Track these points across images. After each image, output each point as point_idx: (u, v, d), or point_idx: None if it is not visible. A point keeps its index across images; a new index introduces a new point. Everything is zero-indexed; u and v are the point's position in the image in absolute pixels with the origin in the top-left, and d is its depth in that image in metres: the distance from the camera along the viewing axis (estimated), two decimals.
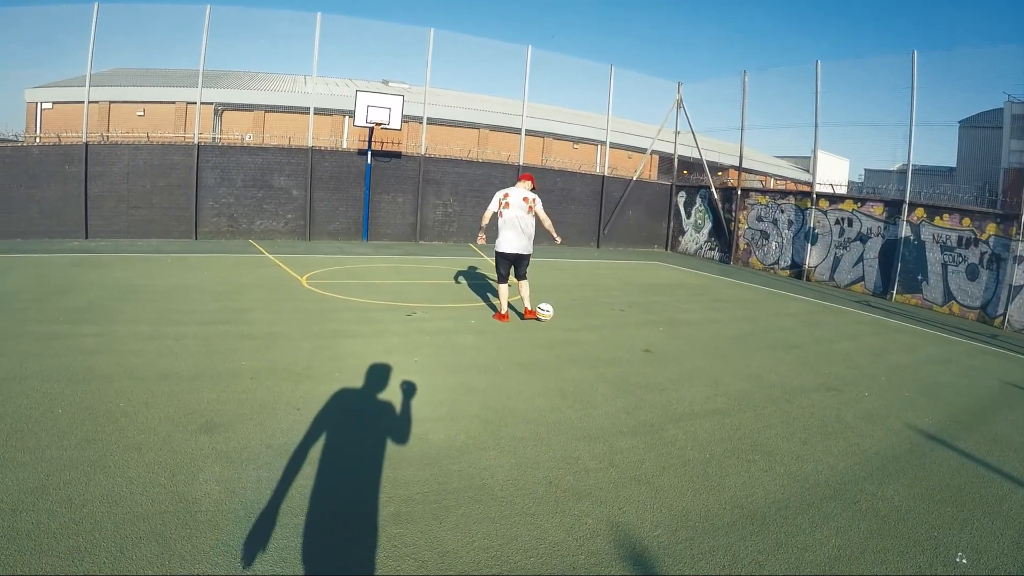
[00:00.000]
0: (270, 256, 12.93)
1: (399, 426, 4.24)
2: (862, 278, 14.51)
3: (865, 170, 32.68)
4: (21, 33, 15.73)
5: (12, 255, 11.70)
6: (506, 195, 7.59)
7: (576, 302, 9.56)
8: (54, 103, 21.03)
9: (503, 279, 7.77)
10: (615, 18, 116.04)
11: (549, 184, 19.11)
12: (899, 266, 13.61)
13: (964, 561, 3.13)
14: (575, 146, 28.92)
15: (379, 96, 16.09)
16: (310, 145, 16.31)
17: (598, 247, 19.99)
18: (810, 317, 10.11)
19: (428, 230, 17.81)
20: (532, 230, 7.66)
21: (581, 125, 27.52)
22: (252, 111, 25.40)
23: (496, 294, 8.60)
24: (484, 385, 5.21)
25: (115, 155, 14.68)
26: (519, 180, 7.89)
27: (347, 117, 22.06)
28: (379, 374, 5.37)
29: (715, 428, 4.67)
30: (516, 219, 7.50)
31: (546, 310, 7.82)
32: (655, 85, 21.73)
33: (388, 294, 9.10)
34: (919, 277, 13.28)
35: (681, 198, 20.63)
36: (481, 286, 10.45)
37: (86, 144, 14.38)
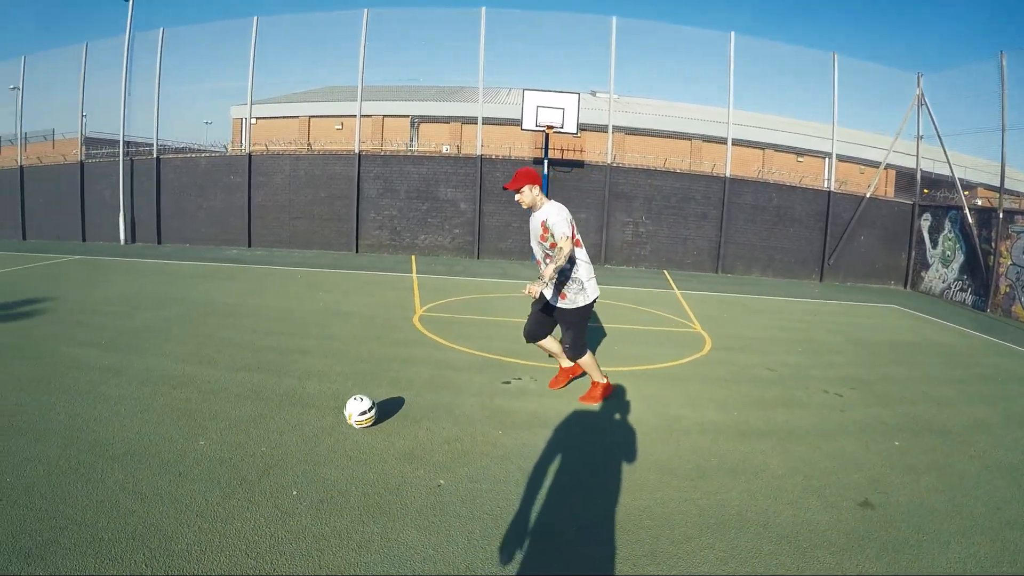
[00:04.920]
0: (414, 276, 11.80)
1: None
2: None
3: None
4: (226, 55, 16.81)
5: (153, 260, 12.00)
6: (571, 220, 4.85)
7: (773, 373, 6.62)
8: (257, 119, 22.78)
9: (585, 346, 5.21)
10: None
11: (763, 200, 15.79)
12: None
13: None
14: (799, 159, 24.99)
15: (550, 95, 14.30)
16: (479, 153, 15.07)
17: (820, 281, 15.99)
18: None
19: (615, 252, 15.58)
20: None
21: (805, 135, 23.61)
22: (448, 123, 25.45)
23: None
24: None
25: (277, 165, 14.83)
26: (534, 184, 4.89)
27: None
28: (343, 509, 3.32)
29: None
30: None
31: (362, 406, 4.30)
32: (887, 77, 17.11)
33: (509, 342, 7.03)
34: None
35: (925, 222, 15.84)
36: (645, 336, 7.95)
37: (249, 155, 14.68)
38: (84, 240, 15.80)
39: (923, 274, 15.95)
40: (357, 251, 15.09)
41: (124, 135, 15.07)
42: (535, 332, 5.14)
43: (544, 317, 5.07)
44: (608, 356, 6.72)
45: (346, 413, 4.28)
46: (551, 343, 5.25)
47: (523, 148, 17.60)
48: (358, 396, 4.35)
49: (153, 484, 3.37)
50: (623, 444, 4.39)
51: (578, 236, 4.82)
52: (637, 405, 5.23)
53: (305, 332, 7.09)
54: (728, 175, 15.72)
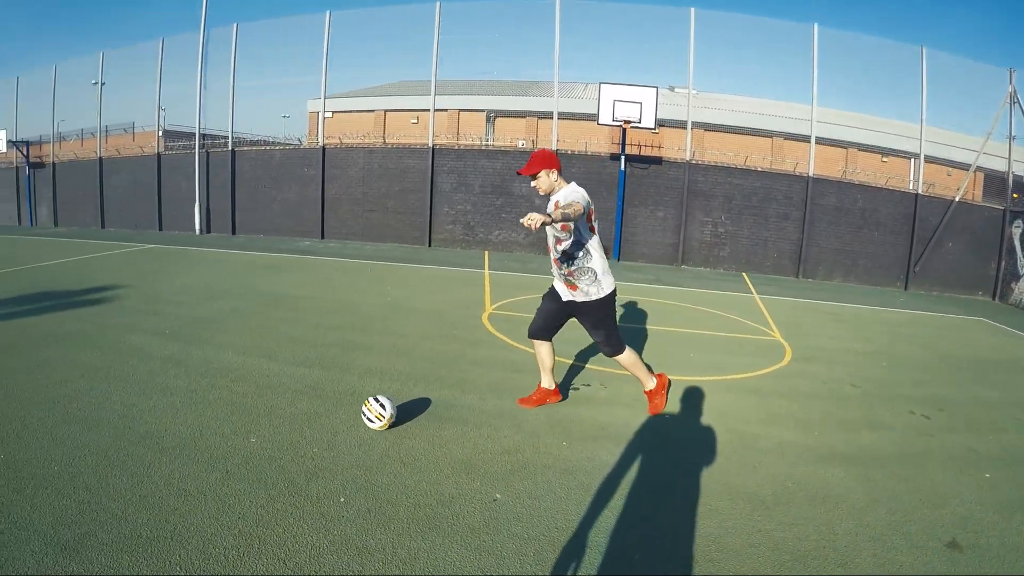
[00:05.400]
0: (486, 272, 11.76)
1: None
2: None
3: None
4: (300, 50, 17.28)
5: (226, 250, 12.33)
6: (590, 203, 4.40)
7: (856, 389, 6.07)
8: (332, 112, 23.34)
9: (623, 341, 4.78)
10: None
11: (847, 202, 14.96)
12: None
13: None
14: (884, 159, 23.76)
15: (627, 89, 13.91)
16: (555, 149, 14.86)
17: (905, 289, 14.96)
18: None
19: (693, 253, 15.04)
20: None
21: (890, 134, 22.36)
22: (524, 117, 25.38)
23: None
24: None
25: (351, 159, 15.06)
26: (551, 168, 4.38)
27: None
28: (391, 521, 3.15)
29: None
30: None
31: (365, 420, 4.15)
32: (978, 73, 15.92)
33: (579, 345, 6.73)
34: None
35: (1016, 229, 14.63)
36: (722, 343, 7.51)
37: (323, 147, 14.95)
38: (160, 229, 16.56)
39: (1012, 285, 14.79)
40: (430, 245, 15.16)
41: (200, 128, 15.70)
42: (539, 328, 4.76)
43: (554, 313, 4.68)
44: (682, 363, 6.36)
45: (376, 429, 4.12)
46: (546, 352, 4.83)
47: (600, 143, 17.27)
48: (361, 414, 4.16)
49: (199, 481, 3.31)
50: (695, 462, 4.05)
51: (594, 223, 4.41)
52: (711, 419, 4.86)
53: (370, 327, 7.04)
54: (811, 175, 14.92)
